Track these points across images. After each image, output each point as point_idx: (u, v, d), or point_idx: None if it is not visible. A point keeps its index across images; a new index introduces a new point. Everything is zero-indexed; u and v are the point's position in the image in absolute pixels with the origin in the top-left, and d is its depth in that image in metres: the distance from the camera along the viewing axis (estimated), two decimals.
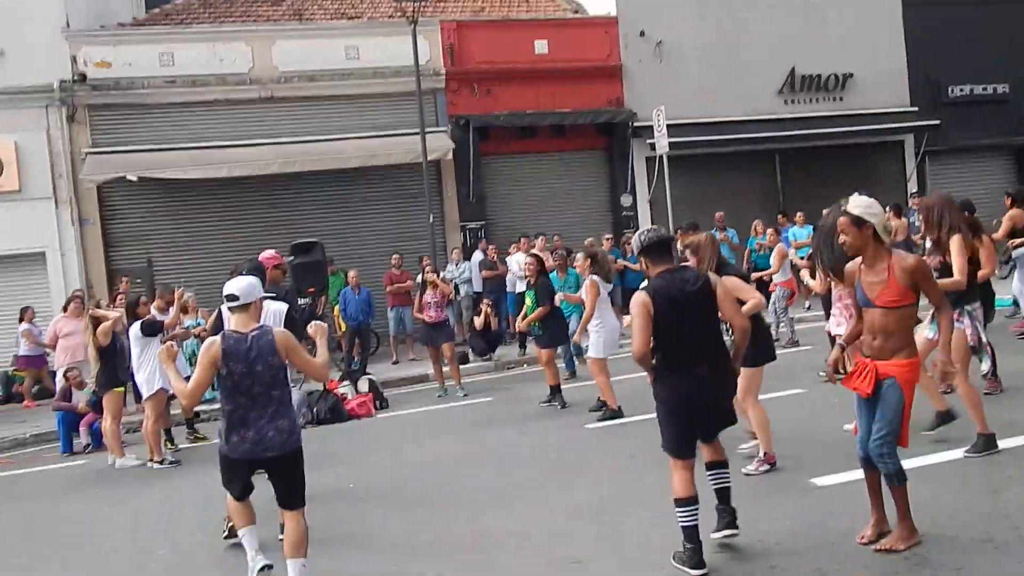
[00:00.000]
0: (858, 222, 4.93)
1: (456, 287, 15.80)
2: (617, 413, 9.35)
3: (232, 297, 5.13)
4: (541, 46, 18.73)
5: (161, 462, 9.68)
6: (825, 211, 7.94)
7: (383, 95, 17.79)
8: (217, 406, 5.14)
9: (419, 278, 13.31)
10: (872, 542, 5.06)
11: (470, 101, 18.30)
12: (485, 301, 13.54)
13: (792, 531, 5.44)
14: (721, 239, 14.06)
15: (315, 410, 11.17)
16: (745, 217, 17.51)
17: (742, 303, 6.00)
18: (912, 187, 20.28)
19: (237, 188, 17.03)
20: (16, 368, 15.62)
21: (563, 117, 18.64)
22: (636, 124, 18.79)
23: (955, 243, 6.61)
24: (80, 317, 11.94)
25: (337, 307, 15.44)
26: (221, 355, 4.96)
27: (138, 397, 10.40)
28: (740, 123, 19.16)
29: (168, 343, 5.69)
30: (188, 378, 5.44)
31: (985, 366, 8.14)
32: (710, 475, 5.21)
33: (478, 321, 13.16)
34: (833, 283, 7.58)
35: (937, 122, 20.10)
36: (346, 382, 12.23)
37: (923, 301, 5.06)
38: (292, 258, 12.20)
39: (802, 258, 11.64)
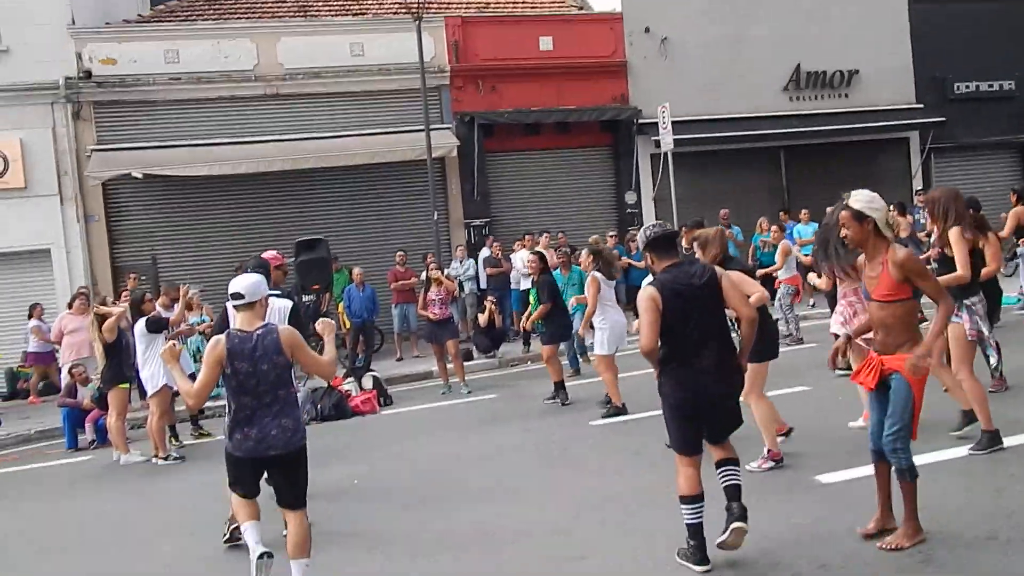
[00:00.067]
0: (859, 216, 4.94)
1: (460, 284, 15.81)
2: (621, 410, 9.36)
3: (238, 296, 5.08)
4: (546, 43, 18.71)
5: (166, 458, 9.71)
6: (829, 209, 7.94)
7: (388, 92, 17.80)
8: (222, 403, 5.13)
9: (423, 275, 13.32)
10: (872, 536, 5.07)
11: (475, 98, 18.29)
12: (489, 298, 13.54)
13: (796, 528, 5.44)
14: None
15: (319, 407, 11.20)
16: (750, 214, 17.49)
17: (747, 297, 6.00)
18: (917, 184, 20.22)
19: (242, 185, 17.05)
20: (22, 365, 15.67)
21: (568, 114, 18.64)
22: (641, 121, 18.76)
23: (953, 235, 6.56)
24: (85, 314, 11.97)
25: (341, 304, 15.45)
26: (226, 354, 4.93)
27: (143, 393, 10.42)
28: (745, 120, 19.13)
29: (171, 342, 5.66)
30: (192, 375, 5.44)
31: (994, 359, 8.11)
32: (720, 472, 5.10)
33: (482, 318, 13.16)
34: (838, 280, 7.57)
35: (943, 119, 20.01)
36: (350, 379, 12.24)
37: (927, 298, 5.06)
38: (297, 255, 12.25)
39: (807, 255, 11.65)
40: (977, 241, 6.97)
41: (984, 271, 7.20)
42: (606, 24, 19.31)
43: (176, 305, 10.81)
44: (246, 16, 18.81)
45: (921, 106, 20.43)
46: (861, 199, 4.98)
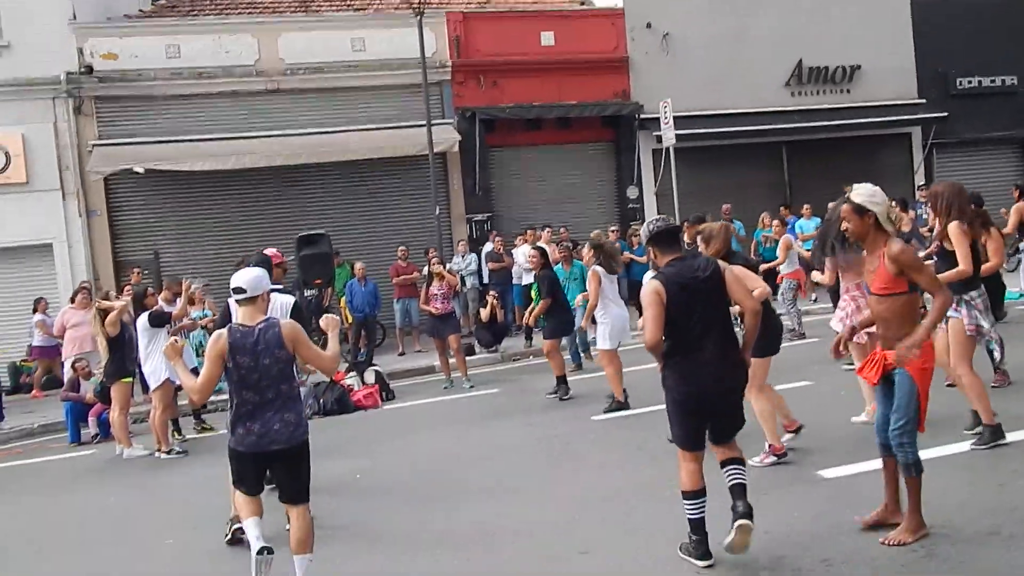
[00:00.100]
0: (860, 210, 4.95)
1: (462, 279, 15.82)
2: (623, 405, 9.36)
3: (239, 290, 5.06)
4: (547, 38, 18.69)
5: (169, 452, 9.72)
6: (831, 204, 7.95)
7: (389, 87, 17.79)
8: (225, 397, 5.11)
9: (425, 270, 13.32)
10: (871, 527, 5.08)
11: (476, 93, 18.28)
12: (491, 293, 13.55)
13: (799, 523, 5.44)
14: None
15: (321, 401, 11.21)
16: (752, 210, 17.47)
17: None
18: (919, 179, 20.22)
19: (243, 180, 17.05)
20: (25, 359, 15.71)
21: (569, 109, 18.62)
22: (643, 116, 18.76)
23: (954, 230, 6.55)
24: (87, 308, 11.98)
25: (343, 299, 15.46)
26: (228, 349, 4.91)
27: (145, 388, 10.44)
28: (747, 115, 19.11)
29: (173, 339, 5.64)
30: (195, 370, 5.42)
31: (997, 354, 8.12)
32: (725, 471, 5.04)
33: (484, 313, 13.18)
34: (841, 275, 7.57)
35: (945, 114, 20.02)
36: (352, 373, 12.25)
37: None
38: (298, 250, 12.25)
39: (808, 251, 11.64)
40: (979, 236, 6.96)
41: (986, 266, 7.20)
42: (608, 19, 19.28)
43: (178, 300, 10.82)
44: (247, 11, 18.79)
45: (923, 101, 20.41)
46: (863, 193, 5.00)
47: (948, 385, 7.36)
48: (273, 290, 6.11)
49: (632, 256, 15.77)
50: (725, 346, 5.01)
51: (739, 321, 5.55)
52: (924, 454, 5.01)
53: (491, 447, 8.63)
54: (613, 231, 16.36)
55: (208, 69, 16.99)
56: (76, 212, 16.44)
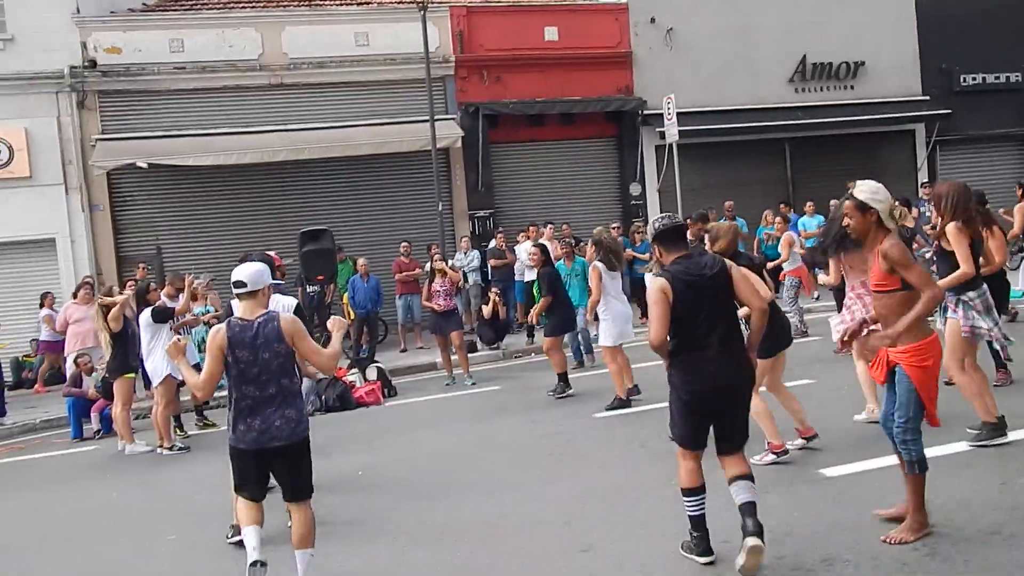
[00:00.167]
0: (862, 207, 4.96)
1: (465, 275, 15.81)
2: (625, 403, 9.36)
3: (240, 284, 5.03)
4: (551, 33, 18.67)
5: (171, 448, 9.73)
6: (834, 202, 7.94)
7: (392, 82, 17.77)
8: (226, 393, 5.09)
9: (428, 266, 13.31)
10: (891, 520, 5.10)
11: (479, 88, 18.26)
12: (493, 290, 13.54)
13: (801, 521, 5.43)
14: None
15: (323, 397, 11.22)
16: (755, 206, 17.45)
17: None
18: (923, 176, 20.18)
19: (246, 175, 17.05)
20: (27, 354, 15.72)
21: (573, 105, 18.59)
22: (646, 112, 18.72)
23: (950, 230, 6.51)
24: (90, 303, 12.00)
25: (346, 295, 15.46)
26: (227, 343, 4.88)
27: (147, 383, 10.44)
28: (751, 111, 19.09)
29: (176, 337, 5.62)
30: (198, 366, 5.40)
31: (1002, 352, 8.09)
32: (733, 489, 4.86)
33: (486, 310, 13.17)
34: (845, 274, 7.55)
35: (949, 111, 19.99)
36: (354, 370, 12.26)
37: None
38: (301, 246, 12.26)
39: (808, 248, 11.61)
40: (979, 235, 6.93)
41: (989, 266, 7.18)
42: (611, 14, 19.24)
43: (181, 295, 10.83)
44: (251, 5, 18.76)
45: (927, 98, 20.36)
46: (865, 190, 5.00)
47: (947, 383, 7.33)
48: (275, 283, 6.09)
49: (635, 253, 15.75)
50: (731, 344, 4.98)
51: (746, 323, 5.53)
52: (926, 452, 5.00)
53: (493, 444, 8.63)
54: (615, 228, 16.34)
55: (211, 63, 16.97)
56: (79, 207, 16.44)
